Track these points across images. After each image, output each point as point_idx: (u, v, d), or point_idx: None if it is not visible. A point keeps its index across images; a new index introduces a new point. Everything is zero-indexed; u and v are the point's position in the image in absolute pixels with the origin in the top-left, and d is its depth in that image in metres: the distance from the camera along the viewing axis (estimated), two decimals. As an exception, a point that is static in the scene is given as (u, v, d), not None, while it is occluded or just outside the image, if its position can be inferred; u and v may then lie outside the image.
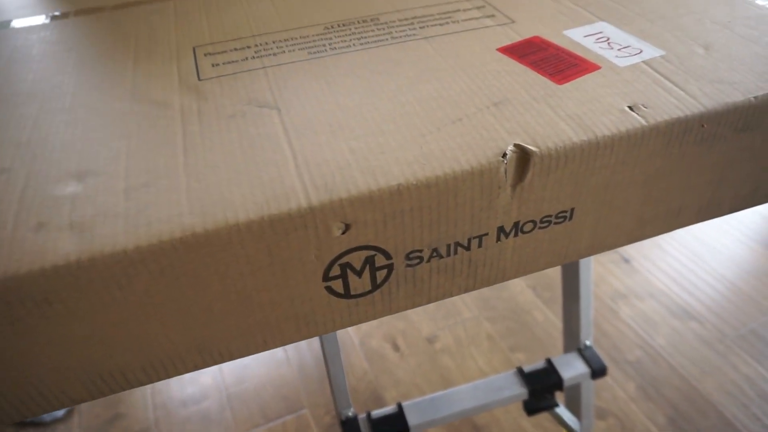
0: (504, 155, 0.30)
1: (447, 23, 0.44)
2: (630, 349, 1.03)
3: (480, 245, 0.33)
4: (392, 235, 0.30)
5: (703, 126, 0.33)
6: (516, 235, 0.33)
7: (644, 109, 0.33)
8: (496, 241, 0.33)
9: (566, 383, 0.63)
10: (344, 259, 0.30)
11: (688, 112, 0.33)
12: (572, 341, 0.67)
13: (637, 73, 0.36)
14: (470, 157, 0.29)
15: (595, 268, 1.21)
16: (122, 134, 0.33)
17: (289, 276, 0.29)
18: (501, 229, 0.32)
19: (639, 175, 0.34)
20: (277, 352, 1.06)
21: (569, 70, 0.37)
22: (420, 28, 0.44)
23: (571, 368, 0.63)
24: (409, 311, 1.12)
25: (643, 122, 0.32)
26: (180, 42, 0.44)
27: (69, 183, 0.29)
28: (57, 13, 0.51)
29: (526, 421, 0.92)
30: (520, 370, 0.63)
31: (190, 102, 0.35)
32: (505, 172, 0.30)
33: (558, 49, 0.39)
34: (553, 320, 1.10)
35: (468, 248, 0.32)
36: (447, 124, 0.32)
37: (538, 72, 0.37)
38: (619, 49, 0.39)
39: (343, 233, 0.29)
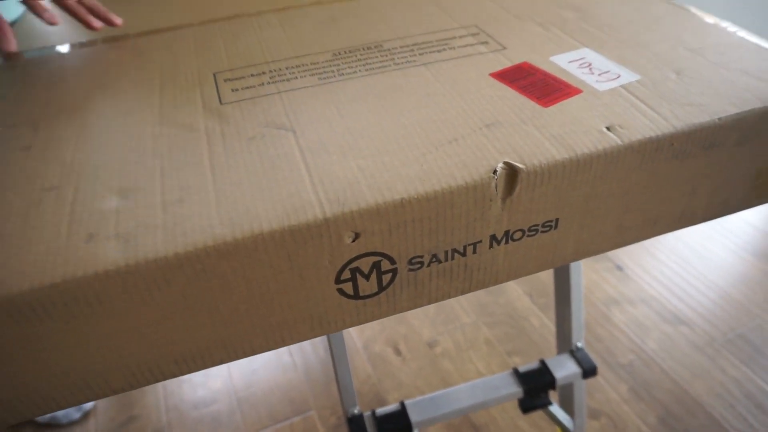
0: (495, 172, 0.33)
1: (444, 50, 0.48)
2: (623, 353, 1.06)
3: (474, 251, 0.36)
4: (396, 243, 0.33)
5: (672, 144, 0.37)
6: (507, 242, 0.36)
7: (620, 129, 0.36)
8: (489, 248, 0.36)
9: (559, 382, 0.66)
10: (354, 264, 0.33)
11: (659, 132, 0.36)
12: (565, 343, 0.70)
13: (615, 97, 0.40)
14: (465, 173, 0.33)
15: (589, 276, 1.24)
16: (156, 155, 0.36)
17: (305, 279, 0.32)
18: (493, 237, 0.36)
19: (617, 188, 0.37)
20: (284, 357, 1.09)
21: (554, 94, 0.40)
22: (420, 54, 0.47)
23: (564, 368, 0.66)
24: (410, 317, 1.15)
25: (619, 141, 0.35)
26: (201, 68, 0.47)
27: (112, 198, 0.32)
28: (84, 41, 0.55)
29: (522, 420, 0.94)
30: (515, 371, 0.66)
31: (214, 125, 0.39)
32: (496, 187, 0.33)
33: (545, 74, 0.43)
34: (549, 325, 1.13)
35: (464, 254, 0.36)
36: (444, 144, 0.35)
37: (527, 96, 0.40)
38: (599, 74, 0.43)
39: (353, 241, 0.32)
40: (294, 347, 1.11)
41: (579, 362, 0.67)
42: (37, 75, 0.49)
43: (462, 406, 0.63)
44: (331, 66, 0.46)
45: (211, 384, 1.05)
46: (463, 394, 0.64)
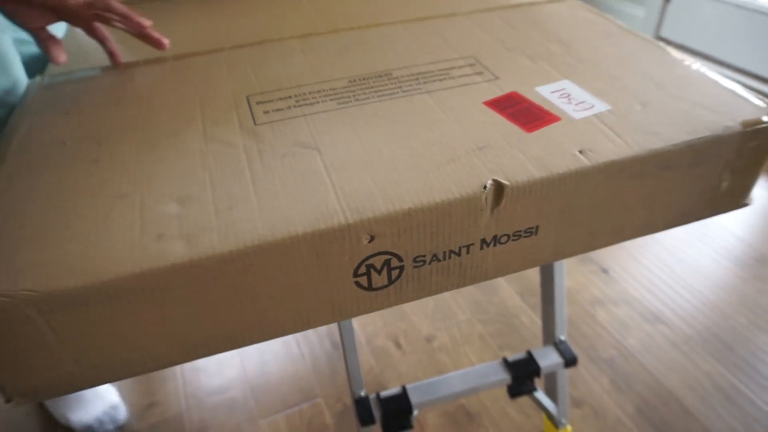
0: (485, 187, 0.39)
1: (445, 79, 0.54)
2: (605, 349, 1.12)
3: (468, 252, 0.42)
4: (404, 244, 0.39)
5: (632, 166, 0.43)
6: (495, 245, 0.43)
7: (590, 152, 0.42)
8: (480, 250, 0.42)
9: (543, 371, 0.72)
10: (369, 261, 0.39)
11: (622, 156, 0.42)
12: (549, 336, 0.76)
13: (588, 124, 0.46)
14: (461, 188, 0.39)
15: (576, 278, 1.30)
16: (204, 168, 0.42)
17: (329, 273, 0.39)
18: (483, 241, 0.42)
19: (587, 202, 0.44)
20: (292, 349, 1.15)
21: (537, 122, 0.46)
22: (424, 83, 0.53)
23: (548, 358, 0.72)
24: (410, 314, 1.21)
25: (588, 163, 0.41)
26: (235, 92, 0.53)
27: (173, 204, 0.39)
28: (128, 61, 0.61)
29: (511, 408, 1.00)
30: (504, 360, 0.72)
31: (251, 143, 0.45)
32: (486, 200, 0.40)
33: (530, 103, 0.49)
34: (538, 323, 1.19)
35: (459, 254, 0.42)
36: (444, 164, 0.41)
37: (514, 122, 0.46)
38: (576, 104, 0.49)
39: (369, 242, 0.38)
40: (301, 340, 1.17)
41: (561, 353, 0.73)
42: (92, 92, 0.55)
43: (457, 390, 0.69)
44: (347, 92, 0.52)
45: (226, 373, 1.11)
46: (458, 380, 0.70)
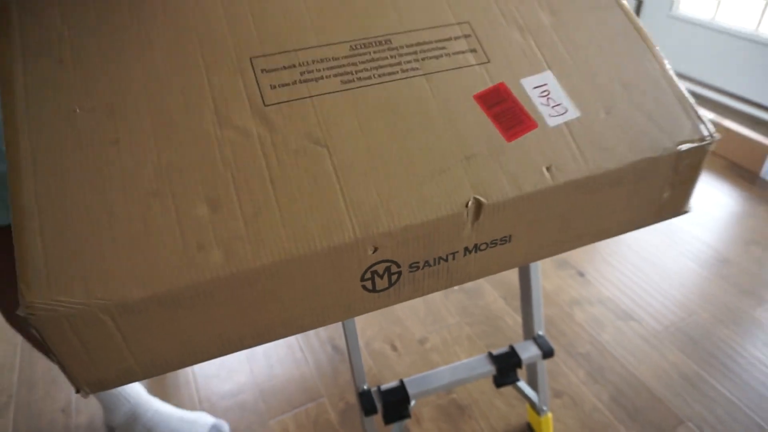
0: (467, 205, 0.46)
1: (441, 56, 0.52)
2: (582, 344, 1.19)
3: (454, 258, 0.49)
4: (402, 253, 0.46)
5: (587, 184, 0.50)
6: (476, 252, 0.50)
7: (555, 170, 0.49)
8: (464, 256, 0.49)
9: (524, 362, 0.79)
10: (373, 268, 0.46)
11: (580, 175, 0.49)
12: (528, 332, 0.83)
13: (558, 135, 0.49)
14: (448, 205, 0.45)
15: (555, 282, 1.37)
16: (225, 164, 0.43)
17: (341, 278, 0.46)
18: (466, 248, 0.49)
19: (552, 214, 0.51)
20: (297, 353, 1.22)
21: (517, 127, 0.49)
22: (422, 60, 0.52)
23: (528, 351, 0.79)
24: (403, 318, 1.28)
25: (552, 183, 0.49)
26: (237, 49, 0.49)
27: (204, 207, 0.42)
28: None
29: (498, 400, 1.07)
30: (489, 354, 0.79)
31: (264, 132, 0.45)
32: (467, 215, 0.47)
33: (514, 101, 0.51)
34: (520, 323, 1.26)
35: (446, 260, 0.49)
36: (436, 174, 0.46)
37: (497, 127, 0.49)
38: (552, 107, 0.51)
39: (373, 252, 0.45)
40: (304, 345, 1.23)
41: (540, 346, 0.80)
42: (82, 30, 0.48)
43: (448, 381, 0.76)
44: (349, 65, 0.50)
45: (236, 378, 1.17)
46: (449, 373, 0.77)
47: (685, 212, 0.59)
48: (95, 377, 0.44)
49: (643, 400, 1.06)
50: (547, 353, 0.79)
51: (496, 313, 1.28)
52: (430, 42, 0.53)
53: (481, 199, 0.47)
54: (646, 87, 0.55)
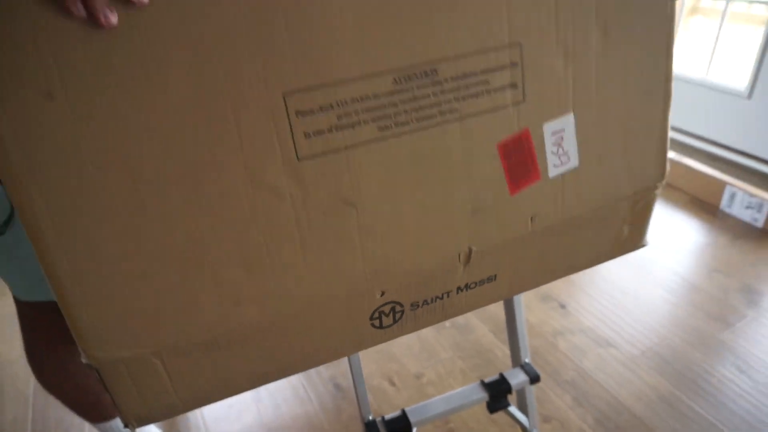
0: (460, 255, 0.53)
1: (480, 94, 0.48)
2: (566, 372, 1.25)
3: (448, 297, 0.56)
4: (404, 295, 0.53)
5: (556, 227, 0.57)
6: (466, 290, 0.56)
7: (537, 219, 0.55)
8: (456, 294, 0.56)
9: (514, 388, 0.85)
10: (381, 309, 0.52)
11: (555, 221, 0.56)
12: (516, 360, 0.89)
13: (552, 185, 0.53)
14: (446, 255, 0.51)
15: (539, 314, 1.44)
16: (258, 227, 0.43)
17: (353, 318, 0.52)
18: (458, 288, 0.56)
19: (530, 254, 0.58)
20: (301, 393, 1.25)
21: (523, 180, 0.52)
22: (462, 99, 0.47)
23: (516, 378, 0.85)
24: (400, 355, 1.33)
25: (531, 230, 0.56)
26: (269, 79, 0.40)
27: (239, 270, 0.45)
28: None
29: (493, 428, 1.12)
30: (482, 381, 0.85)
31: (296, 191, 0.44)
32: (460, 260, 0.54)
33: (530, 150, 0.51)
34: (509, 355, 1.31)
35: (442, 298, 0.55)
36: (441, 231, 0.51)
37: (507, 178, 0.51)
38: (560, 156, 0.53)
39: (381, 296, 0.52)
40: (308, 385, 1.27)
41: (527, 372, 0.86)
42: (73, 55, 0.36)
43: (446, 409, 0.81)
44: (389, 104, 0.45)
45: (244, 419, 1.20)
46: (446, 401, 0.82)
47: (644, 245, 0.66)
48: (143, 413, 0.49)
49: (625, 421, 1.11)
50: (534, 378, 0.85)
51: (486, 347, 1.34)
52: (476, 73, 0.47)
53: (473, 247, 0.53)
54: (642, 130, 0.54)
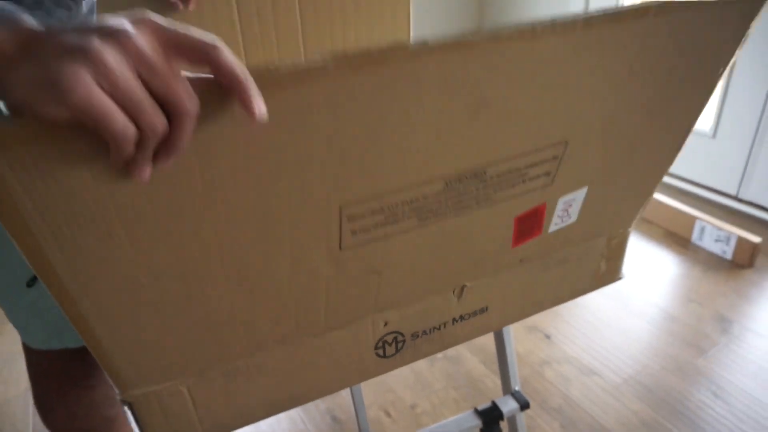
0: (454, 290, 0.58)
1: (517, 184, 0.47)
2: (554, 400, 1.28)
3: (444, 327, 0.60)
4: (406, 326, 0.57)
5: (537, 262, 0.62)
6: (461, 321, 0.61)
7: (524, 261, 0.61)
8: (452, 325, 0.61)
9: (505, 415, 0.88)
10: (384, 338, 0.57)
11: (541, 260, 0.62)
12: (507, 388, 0.93)
13: (549, 238, 0.57)
14: (444, 292, 0.57)
15: (525, 345, 1.47)
16: (292, 296, 0.45)
17: (362, 348, 0.56)
18: (454, 319, 0.60)
19: (516, 288, 0.63)
20: (299, 426, 1.27)
21: (525, 236, 0.54)
22: (501, 189, 0.46)
23: (507, 405, 0.88)
24: (395, 387, 1.35)
25: (519, 267, 0.61)
26: (330, 197, 0.39)
27: (268, 324, 0.49)
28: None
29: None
30: (475, 409, 0.88)
31: (332, 273, 0.45)
32: (454, 293, 0.58)
33: (540, 217, 0.53)
34: (500, 385, 1.35)
35: (439, 329, 0.60)
36: (446, 275, 0.54)
37: (513, 236, 0.53)
38: (562, 218, 0.55)
39: (385, 326, 0.56)
40: (306, 418, 1.29)
41: (517, 400, 0.89)
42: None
43: (442, 437, 0.84)
44: (435, 203, 0.44)
45: (245, 453, 1.21)
46: (442, 428, 0.86)
47: (620, 278, 0.71)
48: (169, 441, 0.52)
49: (610, 445, 1.14)
50: (524, 405, 0.88)
51: (477, 377, 1.37)
52: (519, 169, 0.46)
53: (467, 285, 0.58)
54: (634, 188, 0.55)
